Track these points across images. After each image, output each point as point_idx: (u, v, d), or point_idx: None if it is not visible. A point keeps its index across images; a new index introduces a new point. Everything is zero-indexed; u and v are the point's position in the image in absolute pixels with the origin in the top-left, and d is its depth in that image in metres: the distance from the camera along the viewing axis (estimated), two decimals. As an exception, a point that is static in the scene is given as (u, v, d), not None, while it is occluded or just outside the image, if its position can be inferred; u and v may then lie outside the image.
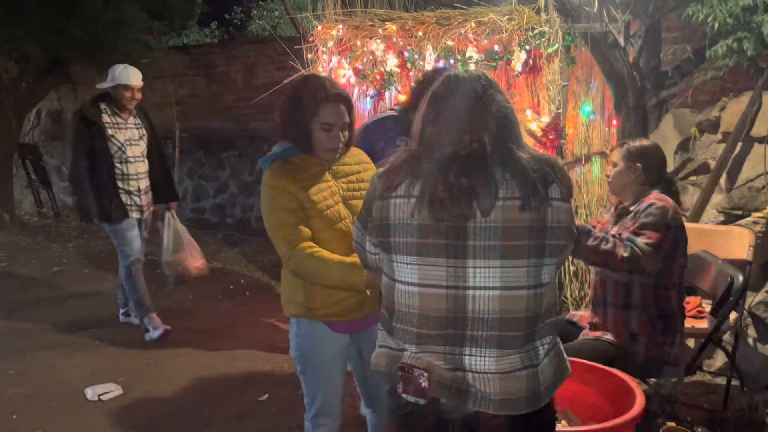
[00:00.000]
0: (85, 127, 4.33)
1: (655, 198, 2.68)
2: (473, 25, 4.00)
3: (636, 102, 4.57)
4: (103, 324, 4.83)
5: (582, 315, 3.03)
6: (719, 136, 4.21)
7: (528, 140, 1.59)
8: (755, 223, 3.53)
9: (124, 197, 4.39)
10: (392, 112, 3.04)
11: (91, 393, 3.68)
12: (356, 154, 2.37)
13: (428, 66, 4.04)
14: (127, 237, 4.44)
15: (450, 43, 4.05)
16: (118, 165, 4.38)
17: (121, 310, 4.87)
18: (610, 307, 2.76)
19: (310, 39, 4.51)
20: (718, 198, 3.99)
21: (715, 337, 2.89)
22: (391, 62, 4.20)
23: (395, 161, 1.68)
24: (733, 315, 2.99)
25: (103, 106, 4.40)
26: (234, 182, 8.24)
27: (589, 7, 4.22)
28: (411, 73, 4.18)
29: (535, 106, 4.03)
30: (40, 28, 6.70)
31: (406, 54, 4.17)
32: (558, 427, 2.29)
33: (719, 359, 3.59)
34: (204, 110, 8.58)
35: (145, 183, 4.52)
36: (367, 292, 2.18)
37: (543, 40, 3.83)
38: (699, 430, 3.04)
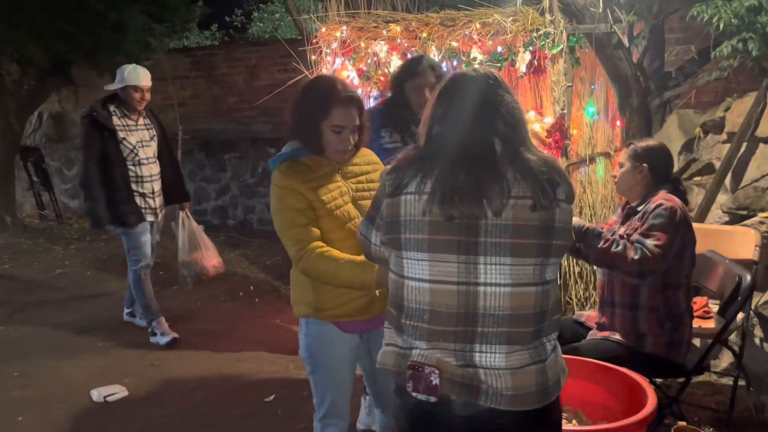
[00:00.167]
0: (96, 131, 4.25)
1: (663, 198, 2.68)
2: (478, 26, 4.00)
3: (640, 103, 4.59)
4: (107, 326, 4.83)
5: (589, 315, 3.03)
6: (724, 136, 4.21)
7: (532, 141, 1.60)
8: (761, 223, 3.53)
9: (138, 200, 4.35)
10: (376, 105, 3.02)
11: (96, 394, 3.69)
12: (366, 154, 2.37)
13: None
14: (139, 241, 4.40)
15: (454, 44, 4.04)
16: (131, 167, 4.32)
17: (126, 310, 4.86)
18: (618, 308, 2.75)
19: (313, 41, 4.50)
20: (723, 198, 3.99)
21: (722, 338, 2.89)
22: (395, 64, 4.19)
23: (403, 159, 1.69)
24: (739, 315, 2.99)
25: (112, 108, 4.32)
26: (235, 184, 8.22)
27: (594, 8, 4.23)
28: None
29: (538, 108, 4.03)
30: (42, 30, 6.69)
31: (409, 55, 4.16)
32: (569, 426, 2.29)
33: (725, 359, 3.59)
34: (205, 112, 8.58)
35: (158, 185, 4.48)
36: (377, 292, 2.18)
37: (547, 41, 3.83)
38: (706, 430, 3.03)
